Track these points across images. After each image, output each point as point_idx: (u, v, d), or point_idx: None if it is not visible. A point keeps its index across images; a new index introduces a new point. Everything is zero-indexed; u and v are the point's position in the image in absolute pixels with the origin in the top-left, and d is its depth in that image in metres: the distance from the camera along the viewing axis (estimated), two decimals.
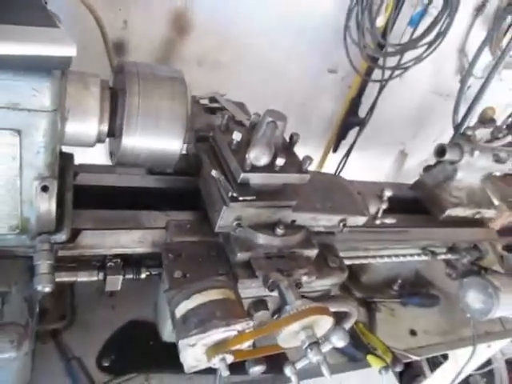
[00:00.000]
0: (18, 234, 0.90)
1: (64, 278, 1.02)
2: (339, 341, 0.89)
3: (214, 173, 1.01)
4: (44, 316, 1.17)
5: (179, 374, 1.20)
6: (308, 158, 1.01)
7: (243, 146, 1.00)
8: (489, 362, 2.89)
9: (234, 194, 0.96)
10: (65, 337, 1.19)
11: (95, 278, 1.06)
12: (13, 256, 0.94)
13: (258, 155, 0.93)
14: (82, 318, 1.24)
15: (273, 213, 1.05)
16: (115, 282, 1.07)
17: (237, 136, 0.99)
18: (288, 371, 0.95)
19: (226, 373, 0.89)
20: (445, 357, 2.31)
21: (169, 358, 1.18)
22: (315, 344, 0.90)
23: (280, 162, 0.97)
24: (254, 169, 0.96)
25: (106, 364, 1.16)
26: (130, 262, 1.10)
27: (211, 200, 1.05)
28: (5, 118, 0.74)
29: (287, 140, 1.09)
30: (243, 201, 0.97)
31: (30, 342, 0.88)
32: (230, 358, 0.89)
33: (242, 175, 0.96)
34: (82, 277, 1.05)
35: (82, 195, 1.04)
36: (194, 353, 0.90)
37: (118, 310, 1.29)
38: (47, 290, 0.85)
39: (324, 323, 0.93)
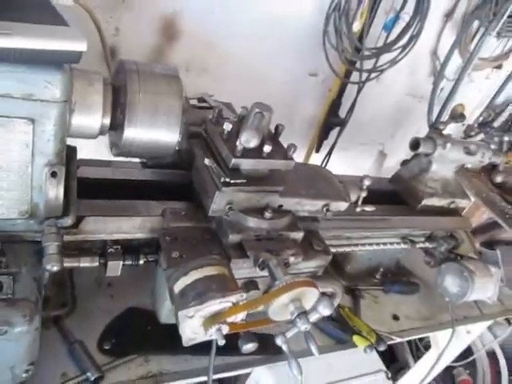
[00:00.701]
0: (27, 218, 0.97)
1: (67, 263, 1.08)
2: (325, 309, 0.97)
3: (206, 161, 1.10)
4: (46, 303, 1.23)
5: (176, 356, 1.26)
6: (292, 146, 1.12)
7: (233, 136, 1.09)
8: (470, 353, 3.00)
9: (226, 179, 1.05)
10: (67, 323, 1.24)
11: (97, 264, 1.12)
12: (21, 240, 1.00)
13: (248, 138, 1.03)
14: (83, 307, 1.29)
15: (261, 197, 1.14)
16: (115, 268, 1.14)
17: (227, 126, 1.08)
18: (279, 341, 1.02)
19: (222, 342, 0.96)
20: (427, 349, 2.41)
21: (166, 341, 1.26)
22: (303, 314, 0.98)
23: (267, 148, 1.06)
24: (244, 155, 1.06)
25: (107, 347, 1.22)
26: (128, 249, 1.17)
27: (204, 187, 1.13)
28: (21, 108, 0.82)
29: (272, 132, 1.18)
30: (234, 185, 1.06)
31: (40, 317, 0.94)
32: (225, 329, 0.97)
33: (233, 160, 1.05)
34: (85, 262, 1.11)
35: (82, 187, 1.12)
36: (192, 325, 0.97)
37: (117, 299, 1.35)
38: (55, 269, 0.91)
39: (311, 296, 1.01)
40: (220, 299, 0.95)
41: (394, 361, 2.94)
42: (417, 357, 2.90)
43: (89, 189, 1.15)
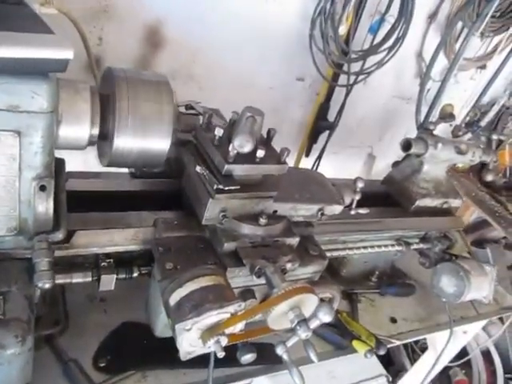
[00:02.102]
0: (15, 235, 0.94)
1: (59, 280, 1.05)
2: (325, 315, 0.94)
3: (198, 168, 1.08)
4: (38, 323, 1.18)
5: (174, 370, 1.23)
6: (286, 150, 1.10)
7: (224, 142, 1.07)
8: (465, 353, 3.01)
9: (220, 186, 1.03)
10: (60, 342, 1.20)
11: (89, 279, 1.09)
12: (11, 258, 0.97)
13: (242, 142, 1.00)
14: (76, 324, 1.25)
15: (256, 203, 1.12)
16: (109, 282, 1.11)
17: (219, 132, 1.06)
18: (279, 350, 0.99)
19: (221, 354, 0.93)
20: (423, 351, 2.41)
21: (163, 355, 1.23)
22: (303, 322, 0.95)
23: (260, 153, 1.04)
24: (237, 161, 1.03)
25: (103, 364, 1.18)
26: (121, 263, 1.14)
27: (196, 195, 1.11)
28: (6, 120, 0.78)
29: (264, 136, 1.16)
30: (228, 191, 1.04)
31: (33, 337, 0.91)
32: (224, 340, 0.94)
33: (226, 167, 1.03)
34: (77, 278, 1.08)
35: (72, 200, 1.08)
36: (189, 337, 0.94)
37: (110, 314, 1.32)
38: (47, 286, 0.88)
39: (310, 303, 0.99)
40: (218, 310, 0.93)
41: (390, 364, 2.94)
42: (413, 359, 2.90)
43: (79, 202, 1.12)
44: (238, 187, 1.06)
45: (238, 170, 1.06)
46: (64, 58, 0.75)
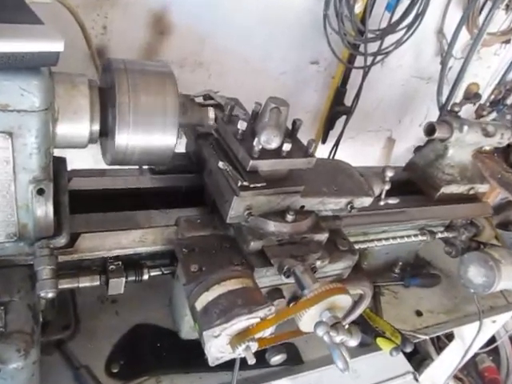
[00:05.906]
0: (15, 241, 0.89)
1: (65, 285, 1.00)
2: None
3: (221, 164, 1.01)
4: (46, 328, 1.14)
5: (189, 374, 1.18)
6: (313, 141, 1.03)
7: (248, 136, 1.00)
8: (493, 340, 2.92)
9: (245, 183, 0.97)
10: (70, 346, 1.16)
11: (97, 283, 1.03)
12: (12, 265, 0.92)
13: (269, 138, 0.94)
14: (87, 327, 1.21)
15: (282, 199, 1.05)
16: (118, 285, 1.05)
17: (242, 125, 0.99)
18: (320, 331, 0.88)
19: (252, 361, 0.88)
20: (449, 339, 2.33)
21: (178, 358, 1.19)
22: (339, 324, 0.89)
23: (286, 147, 0.98)
24: (262, 156, 0.97)
25: (116, 370, 1.14)
26: (130, 265, 1.08)
27: (220, 192, 1.05)
28: None
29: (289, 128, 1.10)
30: (254, 188, 0.97)
31: (38, 349, 0.86)
32: (254, 346, 0.89)
33: (251, 163, 0.96)
34: (84, 282, 1.02)
35: (76, 200, 1.03)
36: (217, 344, 0.89)
37: (122, 316, 1.27)
38: (50, 295, 0.83)
39: (343, 303, 0.93)
40: (247, 315, 0.87)
41: (414, 353, 2.86)
42: (439, 348, 2.83)
43: (84, 202, 1.07)
44: (264, 184, 0.99)
45: (264, 165, 0.99)
46: (54, 51, 0.68)
